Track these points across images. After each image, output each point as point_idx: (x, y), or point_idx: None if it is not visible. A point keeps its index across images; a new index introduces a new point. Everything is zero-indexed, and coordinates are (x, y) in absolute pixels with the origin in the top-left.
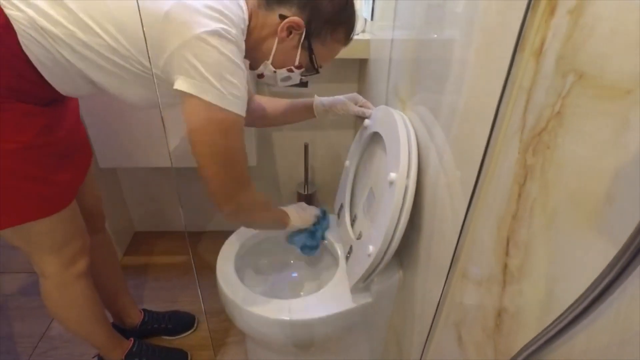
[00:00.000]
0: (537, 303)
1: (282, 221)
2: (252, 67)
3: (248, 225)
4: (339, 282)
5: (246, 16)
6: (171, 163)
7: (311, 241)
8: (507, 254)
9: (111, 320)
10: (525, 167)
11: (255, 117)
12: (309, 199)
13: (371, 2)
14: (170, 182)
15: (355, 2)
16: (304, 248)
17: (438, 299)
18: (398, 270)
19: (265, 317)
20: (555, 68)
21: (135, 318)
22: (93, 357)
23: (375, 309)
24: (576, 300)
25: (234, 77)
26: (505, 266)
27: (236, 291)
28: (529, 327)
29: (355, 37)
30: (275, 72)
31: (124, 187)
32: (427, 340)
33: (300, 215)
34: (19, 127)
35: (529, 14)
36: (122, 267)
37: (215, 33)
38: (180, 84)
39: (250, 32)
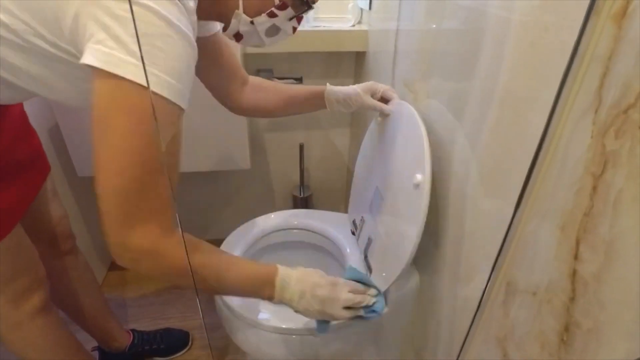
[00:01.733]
0: (627, 317)
1: (249, 289)
2: (225, 28)
3: (169, 282)
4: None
5: None
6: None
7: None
8: (576, 257)
9: (96, 344)
10: (603, 153)
11: (251, 105)
12: (304, 202)
13: None
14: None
15: None
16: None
17: (475, 310)
18: (415, 276)
19: (268, 332)
20: None
21: (123, 341)
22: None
23: (390, 320)
24: None
25: (169, 45)
26: (575, 273)
27: (235, 304)
28: (618, 344)
29: (352, 28)
30: (252, 22)
31: None
32: (458, 357)
33: (305, 293)
34: None
35: None
36: (107, 283)
37: None
38: (87, 56)
39: None
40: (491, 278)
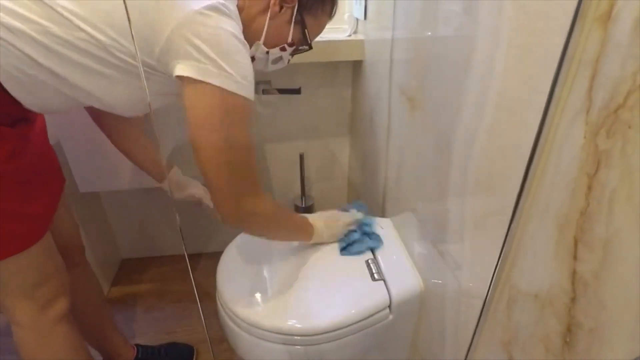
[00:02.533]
0: (629, 316)
1: (303, 232)
2: None
3: (261, 236)
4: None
5: None
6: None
7: (362, 246)
8: (575, 258)
9: (101, 359)
10: (596, 152)
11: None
12: (306, 212)
13: (363, 1)
14: (158, 203)
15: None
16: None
17: (478, 316)
18: (419, 282)
19: (272, 343)
20: (633, 33)
21: (127, 355)
22: None
23: (394, 327)
24: None
25: (241, 57)
26: (574, 273)
27: (239, 315)
28: (619, 343)
29: (348, 38)
30: (267, 52)
31: (108, 211)
32: None
33: (328, 226)
34: None
35: None
36: (110, 298)
37: (215, 8)
38: (182, 69)
39: (239, 10)
40: (493, 282)
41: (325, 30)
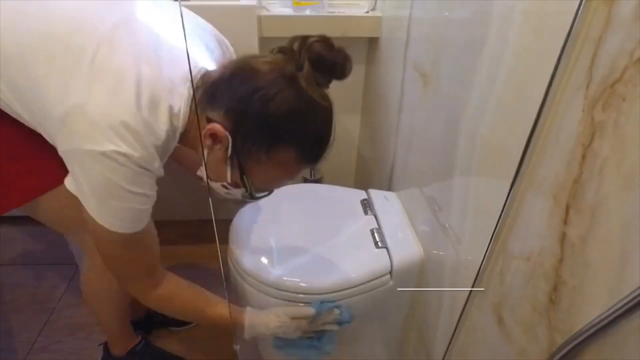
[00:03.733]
0: (609, 273)
1: (228, 321)
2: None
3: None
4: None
5: (180, 122)
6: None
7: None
8: (565, 222)
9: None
10: (592, 124)
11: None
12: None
13: None
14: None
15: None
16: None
17: (473, 280)
18: (419, 252)
19: (276, 300)
20: (635, 12)
21: (139, 310)
22: (99, 345)
23: (394, 294)
24: None
25: (120, 202)
26: (564, 236)
27: (247, 272)
28: (598, 298)
29: (366, 14)
30: (224, 189)
31: None
32: (456, 327)
33: (263, 316)
34: None
35: None
36: None
37: (104, 156)
38: (69, 184)
39: (186, 134)
40: (489, 250)
41: (343, 4)
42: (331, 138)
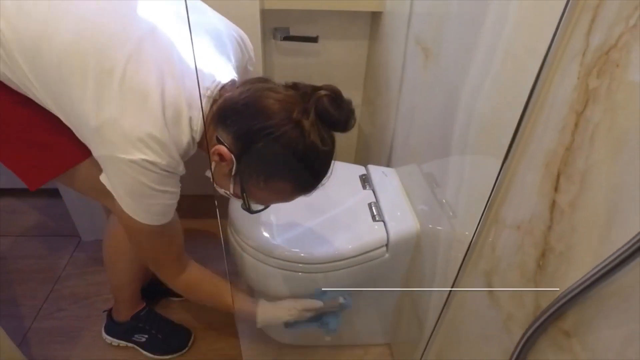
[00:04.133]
0: (594, 236)
1: (243, 311)
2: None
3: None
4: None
5: (197, 133)
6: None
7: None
8: (556, 190)
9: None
10: (587, 91)
11: None
12: None
13: None
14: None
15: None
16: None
17: (465, 250)
18: (415, 225)
19: (275, 269)
20: None
21: (134, 307)
22: (103, 311)
23: (390, 266)
24: None
25: (150, 200)
26: (554, 204)
27: (247, 242)
28: (582, 261)
29: None
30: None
31: None
32: (448, 296)
33: (275, 309)
34: None
35: None
36: None
37: (135, 163)
38: (105, 180)
39: (200, 143)
40: (482, 219)
41: None
42: (328, 173)
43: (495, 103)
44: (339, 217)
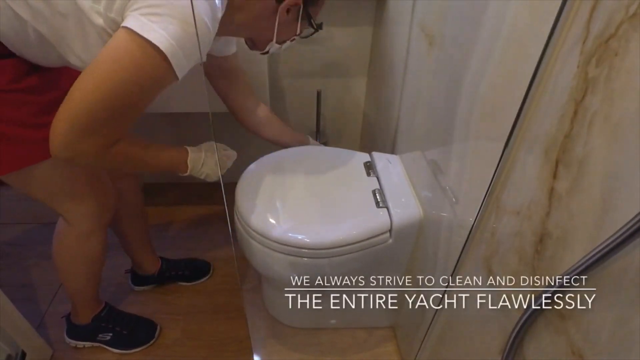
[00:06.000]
0: (590, 221)
1: (174, 160)
2: (253, 48)
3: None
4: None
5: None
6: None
7: None
8: (555, 176)
9: (130, 267)
10: (586, 80)
11: (255, 130)
12: None
13: None
14: (176, 131)
15: None
16: None
17: (467, 235)
18: (419, 213)
19: (280, 255)
20: None
21: (154, 266)
22: (62, 317)
23: (393, 251)
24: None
25: (191, 39)
26: (552, 190)
27: (253, 228)
28: (578, 246)
29: None
30: (281, 47)
31: None
32: (449, 282)
33: (207, 156)
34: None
35: None
36: None
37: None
38: (130, 22)
39: (234, 12)
40: (483, 205)
41: None
42: None
43: (497, 89)
44: (344, 204)
